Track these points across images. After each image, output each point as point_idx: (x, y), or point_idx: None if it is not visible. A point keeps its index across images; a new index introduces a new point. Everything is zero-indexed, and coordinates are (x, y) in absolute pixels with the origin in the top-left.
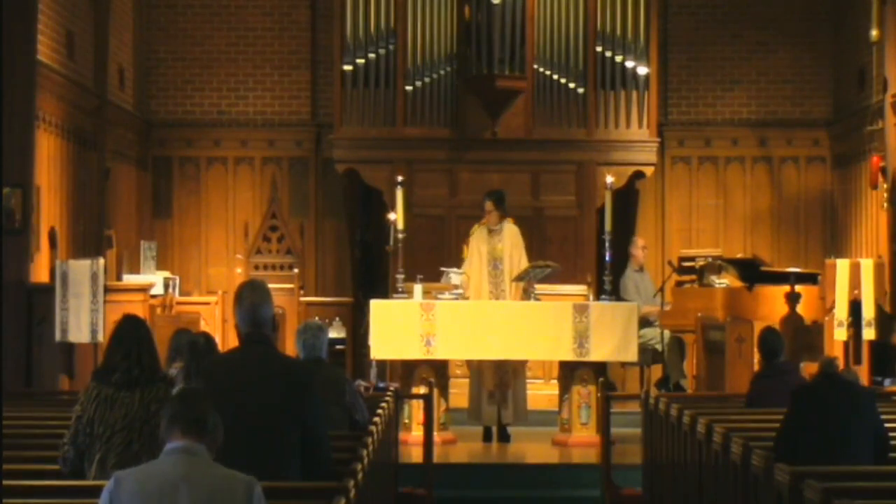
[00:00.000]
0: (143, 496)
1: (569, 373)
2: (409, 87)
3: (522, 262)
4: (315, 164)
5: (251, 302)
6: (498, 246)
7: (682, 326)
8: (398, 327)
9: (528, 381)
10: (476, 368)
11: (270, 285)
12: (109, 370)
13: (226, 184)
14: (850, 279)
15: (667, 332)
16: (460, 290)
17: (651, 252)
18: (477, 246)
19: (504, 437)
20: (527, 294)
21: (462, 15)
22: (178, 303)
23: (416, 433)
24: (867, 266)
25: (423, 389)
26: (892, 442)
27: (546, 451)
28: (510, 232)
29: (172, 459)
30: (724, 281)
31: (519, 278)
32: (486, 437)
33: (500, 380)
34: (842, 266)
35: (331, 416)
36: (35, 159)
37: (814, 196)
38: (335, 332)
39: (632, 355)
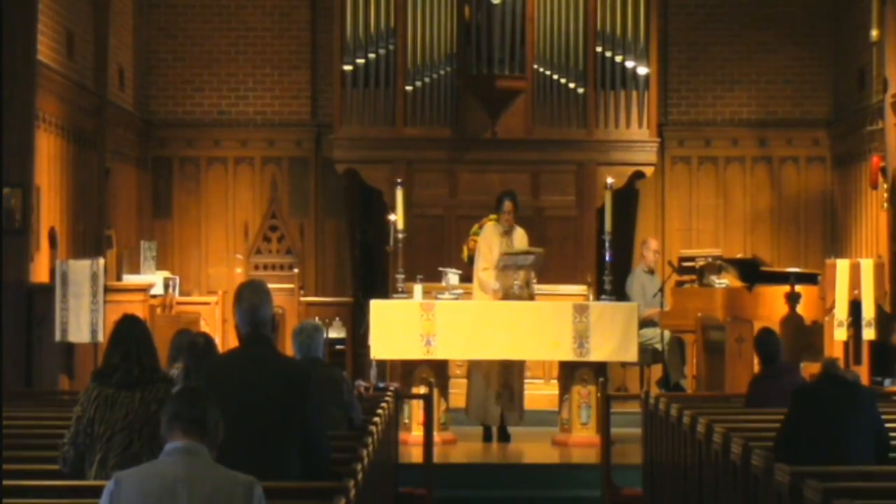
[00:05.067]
0: (144, 496)
1: (569, 373)
2: (409, 87)
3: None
4: (315, 164)
5: (251, 302)
6: (512, 248)
7: (682, 326)
8: (398, 327)
9: (528, 381)
10: (484, 369)
11: (270, 285)
12: (109, 370)
13: (226, 184)
14: (850, 279)
15: (667, 332)
16: (459, 291)
17: None
18: (488, 246)
19: (504, 437)
20: (527, 286)
21: (462, 15)
22: (178, 303)
23: (416, 433)
24: (867, 266)
25: (423, 389)
26: (893, 442)
27: (546, 451)
28: (521, 235)
29: (173, 460)
30: (724, 281)
31: (500, 265)
32: (487, 436)
33: (505, 380)
34: (842, 266)
35: (330, 415)
36: (35, 159)
37: (814, 196)
38: (335, 332)
39: (632, 355)
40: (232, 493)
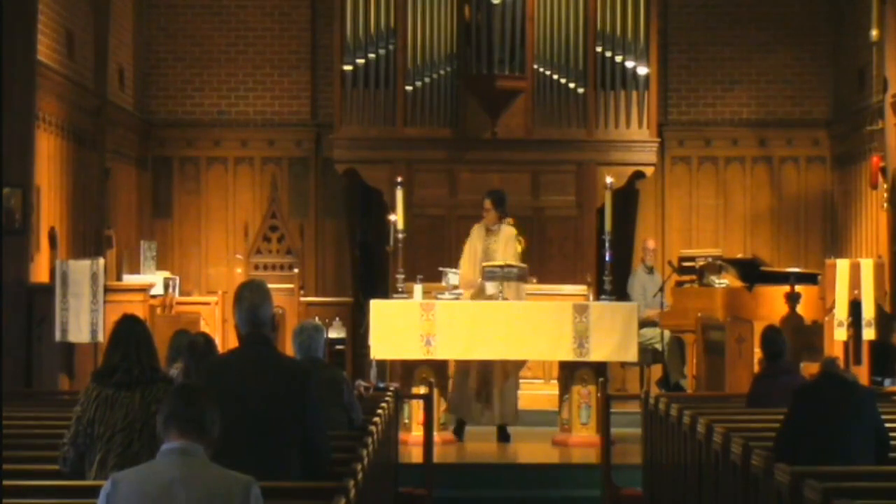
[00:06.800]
0: (141, 497)
1: (569, 373)
2: (409, 87)
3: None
4: (315, 164)
5: (251, 302)
6: (492, 246)
7: (682, 326)
8: (398, 327)
9: (528, 381)
10: (463, 367)
11: (270, 285)
12: (109, 371)
13: (226, 184)
14: (850, 279)
15: (667, 332)
16: (459, 291)
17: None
18: (472, 243)
19: (504, 438)
20: (518, 295)
21: (462, 15)
22: (178, 303)
23: (416, 433)
24: (867, 266)
25: (423, 389)
26: (893, 442)
27: (546, 451)
28: (506, 233)
29: (169, 460)
30: (724, 281)
31: (485, 276)
32: (457, 430)
33: (483, 379)
34: (842, 266)
35: (330, 416)
36: (35, 159)
37: (814, 196)
38: (335, 332)
39: (632, 355)
40: (229, 494)
